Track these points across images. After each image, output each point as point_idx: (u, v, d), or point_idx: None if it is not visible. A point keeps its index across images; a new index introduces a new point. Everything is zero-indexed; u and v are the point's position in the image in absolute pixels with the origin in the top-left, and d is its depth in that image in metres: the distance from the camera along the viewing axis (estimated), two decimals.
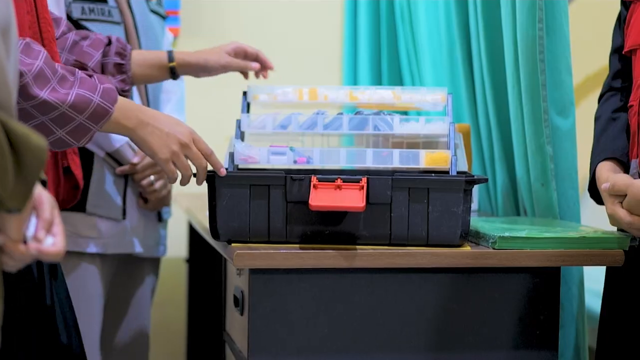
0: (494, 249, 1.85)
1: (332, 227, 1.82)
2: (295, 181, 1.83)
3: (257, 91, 2.05)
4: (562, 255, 1.86)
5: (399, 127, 1.94)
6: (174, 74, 2.26)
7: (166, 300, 3.48)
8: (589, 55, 3.34)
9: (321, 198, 1.78)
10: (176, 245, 3.33)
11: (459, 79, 2.70)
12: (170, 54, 2.25)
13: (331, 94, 1.95)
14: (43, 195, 1.20)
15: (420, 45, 3.10)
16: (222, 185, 1.84)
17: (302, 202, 1.82)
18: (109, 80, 1.76)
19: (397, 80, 3.35)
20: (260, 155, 1.93)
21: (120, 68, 2.14)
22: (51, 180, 1.88)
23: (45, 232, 1.18)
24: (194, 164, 1.83)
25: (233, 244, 1.83)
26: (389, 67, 3.38)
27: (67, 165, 1.95)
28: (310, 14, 3.61)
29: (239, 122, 1.99)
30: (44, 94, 1.63)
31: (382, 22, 3.42)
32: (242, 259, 1.77)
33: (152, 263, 2.59)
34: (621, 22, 1.98)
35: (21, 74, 1.60)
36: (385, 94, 1.94)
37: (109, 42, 2.15)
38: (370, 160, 1.92)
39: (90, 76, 1.73)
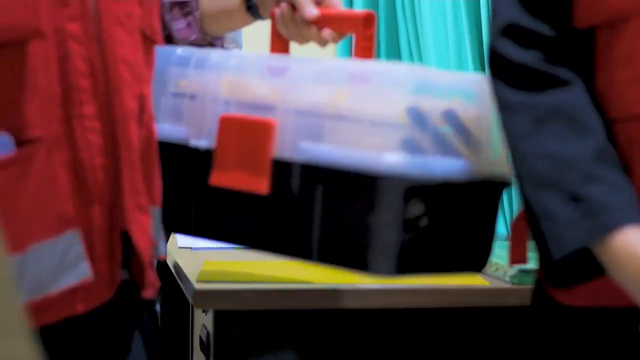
0: (513, 284, 1.65)
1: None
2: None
3: None
4: None
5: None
6: (251, 8, 1.55)
7: None
8: None
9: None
10: None
11: (467, 58, 2.58)
12: None
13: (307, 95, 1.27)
14: None
15: (422, 22, 2.94)
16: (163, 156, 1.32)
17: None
18: None
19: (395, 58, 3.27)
20: None
21: (183, 8, 1.53)
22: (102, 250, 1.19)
23: None
24: None
25: (197, 281, 1.60)
26: (387, 51, 3.21)
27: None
28: None
29: None
30: None
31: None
32: (203, 298, 1.57)
33: None
34: None
35: None
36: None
37: None
38: None
39: None
